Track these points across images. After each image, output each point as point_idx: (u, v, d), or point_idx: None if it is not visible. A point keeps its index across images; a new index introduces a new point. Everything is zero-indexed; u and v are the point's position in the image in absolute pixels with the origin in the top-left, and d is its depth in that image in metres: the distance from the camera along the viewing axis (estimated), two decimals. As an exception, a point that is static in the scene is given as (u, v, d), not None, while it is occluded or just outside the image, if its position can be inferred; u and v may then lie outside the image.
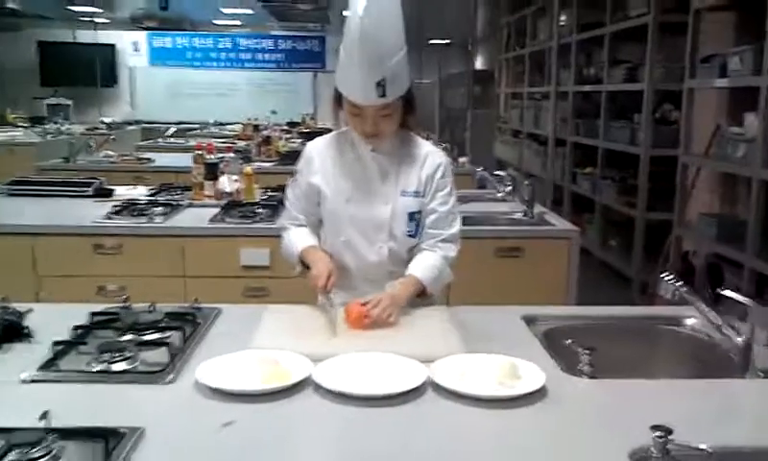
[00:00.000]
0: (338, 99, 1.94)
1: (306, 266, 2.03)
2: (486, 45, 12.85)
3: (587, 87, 6.88)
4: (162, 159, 5.91)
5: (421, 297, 2.00)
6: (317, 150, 2.09)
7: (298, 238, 2.08)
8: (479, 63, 13.20)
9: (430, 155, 2.05)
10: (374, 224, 2.01)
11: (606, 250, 6.40)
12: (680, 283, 1.71)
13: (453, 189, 2.08)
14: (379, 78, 1.80)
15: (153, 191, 3.98)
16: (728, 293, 1.64)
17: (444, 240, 2.03)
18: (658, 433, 1.19)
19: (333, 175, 2.04)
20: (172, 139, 8.04)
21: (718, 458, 1.21)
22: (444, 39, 8.58)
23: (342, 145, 2.06)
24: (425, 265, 1.99)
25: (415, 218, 2.02)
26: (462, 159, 6.08)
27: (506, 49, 10.34)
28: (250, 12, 11.53)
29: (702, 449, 1.18)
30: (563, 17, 7.23)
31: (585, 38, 6.88)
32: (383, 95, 1.82)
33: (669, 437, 1.19)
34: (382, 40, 1.79)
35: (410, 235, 2.03)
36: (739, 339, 1.64)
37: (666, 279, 1.74)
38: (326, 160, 2.06)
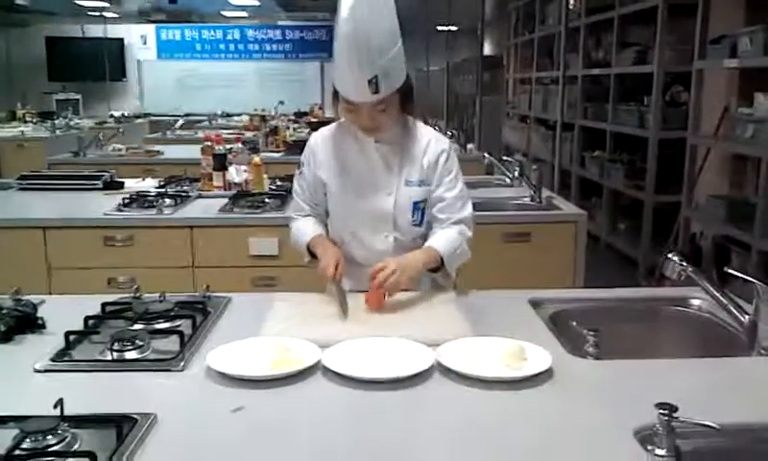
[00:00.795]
0: (336, 94, 1.94)
1: (314, 256, 2.05)
2: (494, 31, 12.79)
3: (595, 71, 6.85)
4: (171, 152, 5.94)
5: (438, 271, 2.01)
6: (320, 142, 2.10)
7: (305, 228, 2.10)
8: (487, 49, 13.14)
9: (432, 142, 2.05)
10: (379, 215, 2.02)
11: (614, 234, 6.39)
12: (685, 263, 1.71)
13: (459, 174, 2.08)
14: (371, 76, 1.78)
15: (162, 183, 4.00)
16: (733, 272, 1.65)
17: (456, 222, 2.03)
18: (662, 410, 1.20)
19: (337, 167, 2.04)
20: (180, 131, 8.08)
21: (724, 434, 1.22)
22: (451, 26, 8.53)
23: (345, 136, 2.06)
24: (442, 238, 2.00)
25: (419, 207, 2.03)
26: (470, 146, 6.08)
27: (514, 34, 10.29)
28: (257, 3, 11.52)
29: (707, 425, 1.19)
30: (571, 1, 7.19)
31: (594, 22, 6.84)
32: (376, 92, 1.81)
33: (674, 414, 1.19)
34: (371, 39, 1.76)
35: (415, 224, 2.04)
36: (745, 318, 1.65)
37: (672, 258, 1.74)
38: (330, 152, 2.07)
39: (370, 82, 1.79)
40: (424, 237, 2.06)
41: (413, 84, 1.99)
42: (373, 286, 1.84)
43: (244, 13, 13.63)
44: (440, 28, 9.11)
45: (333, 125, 2.13)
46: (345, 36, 1.77)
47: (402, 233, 2.03)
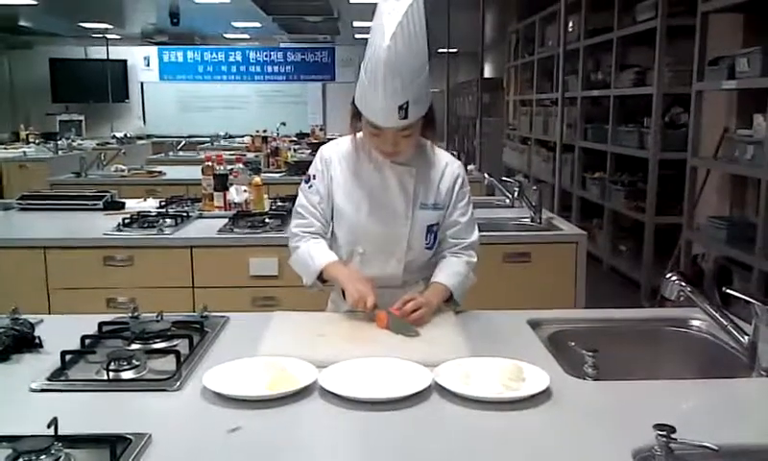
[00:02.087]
0: (356, 115, 1.90)
1: (323, 280, 2.01)
2: (494, 53, 12.88)
3: (595, 92, 6.88)
4: (173, 172, 5.96)
5: (447, 303, 2.01)
6: (334, 155, 2.04)
7: (317, 252, 2.00)
8: (488, 71, 13.23)
9: (449, 166, 2.04)
10: (393, 238, 1.99)
11: (616, 255, 6.38)
12: (684, 284, 1.70)
13: (471, 198, 2.08)
14: (402, 102, 1.77)
15: (163, 203, 4.01)
16: (731, 292, 1.64)
17: (465, 247, 2.04)
18: (660, 432, 1.19)
19: (350, 186, 2.00)
20: (182, 152, 8.12)
21: (722, 455, 1.20)
22: (452, 48, 8.59)
23: (359, 152, 2.01)
24: (450, 271, 2.00)
25: (433, 230, 2.01)
26: (470, 167, 6.10)
27: (514, 56, 10.36)
28: (258, 25, 11.62)
29: (705, 446, 1.18)
30: (570, 23, 7.24)
31: (593, 44, 6.89)
32: (405, 117, 1.80)
33: (672, 435, 1.19)
34: (407, 68, 1.75)
35: (427, 248, 2.03)
36: (744, 339, 1.64)
37: (672, 279, 1.73)
38: (343, 169, 2.02)
39: (400, 108, 1.78)
40: (430, 260, 2.05)
41: (434, 111, 1.96)
42: (404, 311, 1.84)
43: (246, 35, 13.76)
44: (440, 50, 9.18)
45: (347, 139, 2.04)
46: (384, 63, 1.73)
47: (414, 257, 2.02)
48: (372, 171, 1.99)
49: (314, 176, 2.05)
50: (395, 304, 1.87)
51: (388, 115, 1.80)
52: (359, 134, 1.99)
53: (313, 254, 2.00)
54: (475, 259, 2.07)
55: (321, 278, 2.01)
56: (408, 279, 2.03)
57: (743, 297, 1.63)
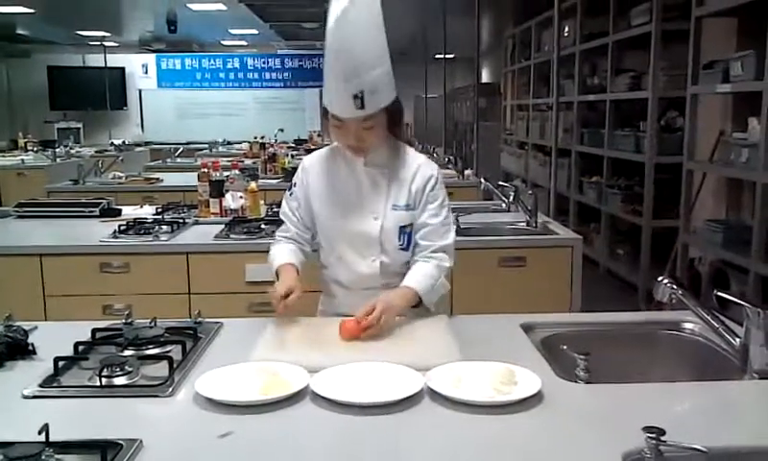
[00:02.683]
0: (326, 114, 1.95)
1: None
2: (491, 58, 12.92)
3: (591, 97, 6.90)
4: (170, 179, 5.97)
5: (416, 307, 2.00)
6: (311, 165, 2.11)
7: (280, 254, 2.07)
8: (485, 76, 13.27)
9: (421, 167, 2.05)
10: (365, 238, 2.01)
11: (613, 259, 6.39)
12: (676, 287, 1.71)
13: (446, 201, 2.07)
14: (356, 90, 1.79)
15: (159, 210, 4.02)
16: (723, 295, 1.64)
17: (436, 250, 2.02)
18: (650, 434, 1.20)
19: (326, 190, 2.05)
20: (180, 159, 8.13)
21: (712, 458, 1.21)
22: (449, 54, 8.62)
23: (336, 159, 2.07)
24: (419, 275, 1.99)
25: (405, 231, 2.02)
26: (467, 172, 6.11)
27: (511, 62, 10.39)
28: (256, 32, 11.65)
29: (695, 449, 1.18)
30: (566, 28, 7.27)
31: (588, 48, 6.91)
32: (362, 107, 1.82)
33: (662, 438, 1.19)
34: (357, 52, 1.78)
35: (402, 249, 2.03)
36: (736, 341, 1.64)
37: (664, 282, 1.74)
38: (321, 175, 2.07)
39: (355, 96, 1.80)
40: (408, 263, 2.05)
41: (402, 108, 2.00)
42: (359, 328, 1.82)
43: (243, 42, 13.80)
44: (437, 56, 9.21)
45: (326, 149, 2.13)
46: (330, 47, 1.80)
47: (389, 258, 2.02)
48: (347, 175, 2.03)
49: (295, 184, 2.12)
50: (358, 313, 1.85)
51: (343, 104, 1.83)
52: (336, 143, 2.03)
53: (275, 256, 2.08)
54: (448, 264, 2.05)
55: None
56: (388, 281, 2.02)
57: (734, 300, 1.64)
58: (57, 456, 1.21)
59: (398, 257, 2.04)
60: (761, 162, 3.90)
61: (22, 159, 8.35)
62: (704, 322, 1.74)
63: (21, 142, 10.04)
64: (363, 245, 2.02)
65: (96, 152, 9.62)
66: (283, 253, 2.08)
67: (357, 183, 2.02)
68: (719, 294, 1.68)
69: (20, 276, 3.18)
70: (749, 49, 4.10)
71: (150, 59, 13.92)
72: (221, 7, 9.34)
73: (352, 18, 1.77)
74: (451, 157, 6.96)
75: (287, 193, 2.15)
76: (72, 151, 9.26)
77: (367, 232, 2.01)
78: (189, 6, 9.42)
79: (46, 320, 2.85)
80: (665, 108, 5.68)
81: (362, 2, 1.79)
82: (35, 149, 9.54)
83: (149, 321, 1.94)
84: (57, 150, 8.95)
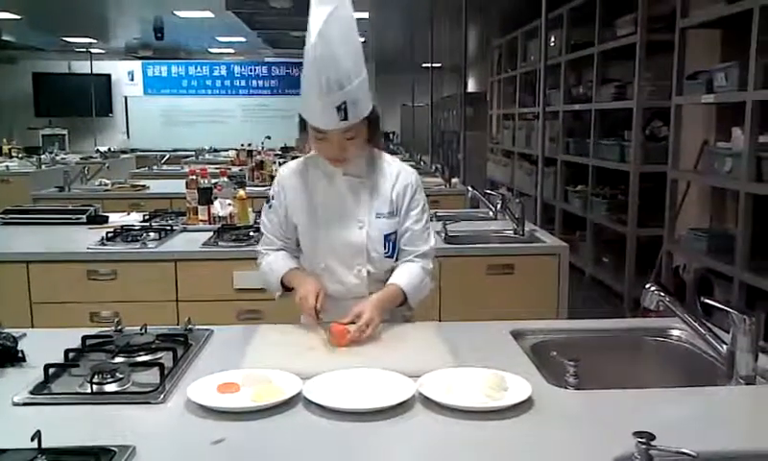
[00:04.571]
0: (303, 126, 1.94)
1: (289, 289, 2.04)
2: (477, 68, 12.99)
3: (576, 106, 6.96)
4: (157, 186, 5.95)
5: (401, 306, 2.03)
6: (288, 176, 2.09)
7: (276, 264, 2.07)
8: (471, 86, 13.33)
9: (401, 173, 2.06)
10: (351, 249, 2.01)
11: (599, 267, 6.43)
12: (663, 294, 1.73)
13: (426, 205, 2.10)
14: (339, 102, 1.80)
15: (147, 217, 4.00)
16: (709, 301, 1.67)
17: (419, 255, 2.05)
18: (640, 439, 1.21)
19: (305, 201, 2.03)
20: (166, 166, 8.10)
21: (700, 462, 1.22)
22: (436, 63, 8.67)
23: (313, 169, 2.05)
24: (406, 274, 2.01)
25: (390, 239, 2.03)
26: (454, 180, 6.14)
27: (497, 71, 10.45)
28: (243, 39, 11.65)
29: (684, 453, 1.20)
30: (552, 38, 7.33)
31: (574, 58, 6.97)
32: (345, 118, 1.82)
33: (652, 443, 1.20)
34: (338, 65, 1.78)
35: (387, 256, 2.04)
36: (723, 348, 1.67)
37: (651, 289, 1.76)
38: (298, 186, 2.05)
39: (339, 108, 1.80)
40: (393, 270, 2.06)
41: (379, 116, 2.00)
42: (351, 337, 1.83)
43: (230, 50, 13.78)
44: (425, 65, 9.25)
45: (301, 159, 2.11)
46: (313, 60, 1.78)
47: (375, 266, 2.03)
48: (326, 185, 2.03)
49: (272, 197, 2.11)
50: (347, 317, 1.87)
51: (327, 116, 1.83)
52: (312, 152, 2.03)
53: (273, 266, 2.07)
54: (431, 267, 2.09)
55: (285, 287, 2.06)
56: (375, 289, 2.03)
57: (721, 306, 1.66)
58: (49, 463, 1.21)
59: (384, 265, 2.05)
60: (744, 172, 3.95)
61: (7, 166, 8.29)
62: (691, 328, 1.77)
63: (6, 149, 9.96)
64: (349, 255, 2.01)
65: (81, 159, 9.56)
66: (281, 261, 2.08)
67: (338, 194, 2.02)
68: (705, 301, 1.71)
69: (6, 283, 3.16)
70: (732, 60, 4.16)
71: (136, 65, 13.88)
72: (208, 14, 9.34)
73: (335, 32, 1.78)
74: (438, 166, 6.99)
75: (266, 206, 2.14)
76: (57, 157, 9.19)
77: (353, 242, 2.00)
78: (176, 13, 9.41)
79: (33, 327, 2.83)
80: (650, 117, 5.74)
81: (341, 15, 1.80)
82: (19, 155, 9.47)
83: (139, 328, 1.94)
84: (42, 156, 8.89)
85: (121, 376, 1.61)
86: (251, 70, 14.02)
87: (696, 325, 1.74)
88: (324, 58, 1.78)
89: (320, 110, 1.83)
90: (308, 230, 2.04)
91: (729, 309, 1.62)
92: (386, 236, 2.02)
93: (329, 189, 2.03)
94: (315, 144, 1.95)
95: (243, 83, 14.02)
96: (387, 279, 2.03)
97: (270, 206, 2.11)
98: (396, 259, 2.06)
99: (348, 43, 1.82)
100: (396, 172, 2.06)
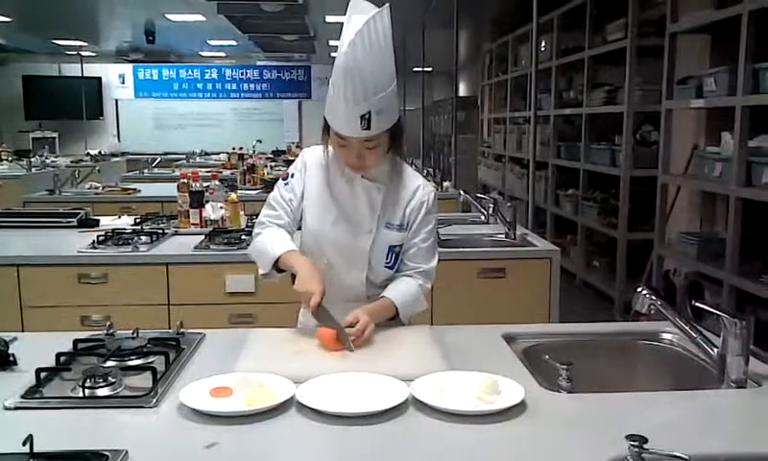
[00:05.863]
0: (326, 128, 1.93)
1: (280, 270, 2.00)
2: (469, 72, 13.03)
3: (567, 111, 6.99)
4: (148, 190, 5.93)
5: (391, 320, 2.02)
6: (313, 161, 2.06)
7: (276, 240, 1.99)
8: (462, 90, 13.37)
9: (419, 190, 2.05)
10: (355, 251, 2.01)
11: (590, 271, 6.46)
12: (654, 298, 1.74)
13: (436, 225, 2.09)
14: (363, 111, 1.80)
15: (138, 220, 3.99)
16: (700, 305, 1.68)
17: (421, 272, 2.05)
18: (633, 442, 1.22)
19: (321, 195, 2.03)
20: (157, 170, 8.08)
21: (692, 465, 1.23)
22: (427, 67, 8.69)
23: (335, 164, 2.03)
24: (402, 291, 2.01)
25: (394, 251, 2.03)
26: (446, 184, 6.16)
27: (488, 75, 10.48)
28: (235, 43, 11.64)
29: (676, 456, 1.20)
30: (543, 43, 7.36)
31: (565, 63, 7.00)
32: (367, 128, 1.82)
33: (644, 446, 1.21)
34: (366, 76, 1.78)
35: (387, 267, 2.04)
36: (714, 351, 1.68)
37: (642, 293, 1.77)
38: (318, 178, 2.04)
39: (362, 117, 1.80)
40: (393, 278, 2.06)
41: (403, 128, 1.99)
42: (335, 336, 1.83)
43: (222, 53, 13.75)
44: (416, 69, 9.26)
45: (330, 149, 2.03)
46: (342, 68, 1.79)
47: (374, 274, 2.03)
48: (344, 184, 2.02)
49: (292, 175, 2.08)
50: (342, 322, 1.86)
51: (350, 124, 1.83)
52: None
53: (273, 241, 2.00)
54: (429, 287, 2.08)
55: (278, 267, 1.99)
56: (373, 293, 2.03)
57: (712, 310, 1.67)
58: (41, 468, 1.20)
59: (382, 274, 2.05)
60: (734, 176, 3.98)
61: (-3, 169, 8.25)
62: (682, 332, 1.77)
63: (-5, 152, 9.90)
64: (352, 256, 2.01)
65: (72, 162, 9.52)
66: (281, 238, 2.00)
67: (353, 194, 2.01)
68: (696, 304, 1.72)
69: (-4, 286, 3.14)
70: (722, 65, 4.19)
71: (127, 68, 13.84)
72: (199, 18, 9.31)
73: (367, 42, 1.77)
74: (430, 170, 7.01)
75: (281, 182, 2.10)
76: (48, 161, 9.14)
77: (358, 246, 2.00)
78: (168, 16, 9.39)
79: (23, 331, 2.81)
80: (640, 122, 5.77)
81: (377, 27, 1.80)
82: (9, 159, 9.41)
83: (131, 332, 1.93)
84: (32, 160, 8.84)
85: (113, 380, 1.60)
86: (242, 74, 14.00)
87: (687, 328, 1.75)
88: (354, 67, 1.77)
89: (344, 117, 1.83)
90: (316, 222, 2.02)
91: (719, 313, 1.62)
92: (391, 247, 2.02)
93: (346, 189, 2.02)
94: (336, 149, 1.95)
95: (234, 86, 14.00)
96: (386, 286, 2.03)
97: (287, 183, 2.07)
98: (397, 271, 2.06)
99: (380, 55, 1.82)
100: (415, 187, 2.05)
